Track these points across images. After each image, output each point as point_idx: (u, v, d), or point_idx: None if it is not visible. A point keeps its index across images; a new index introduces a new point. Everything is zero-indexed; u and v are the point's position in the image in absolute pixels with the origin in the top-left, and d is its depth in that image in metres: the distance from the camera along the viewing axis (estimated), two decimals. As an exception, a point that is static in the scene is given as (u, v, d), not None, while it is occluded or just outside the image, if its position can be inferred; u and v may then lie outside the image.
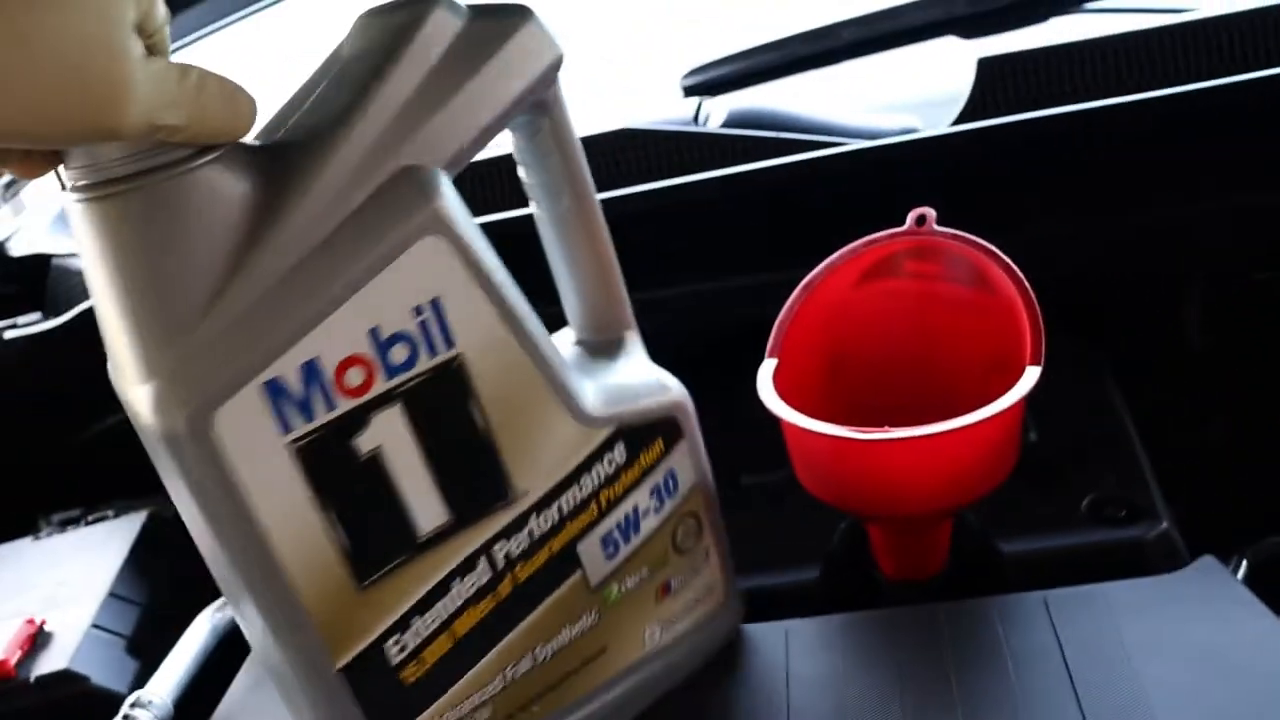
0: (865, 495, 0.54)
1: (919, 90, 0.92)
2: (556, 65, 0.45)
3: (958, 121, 0.76)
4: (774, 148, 0.77)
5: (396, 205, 0.39)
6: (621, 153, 0.80)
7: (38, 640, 0.65)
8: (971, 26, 0.92)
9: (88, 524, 0.79)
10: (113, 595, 0.70)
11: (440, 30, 0.41)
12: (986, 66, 0.77)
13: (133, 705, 0.59)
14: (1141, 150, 0.72)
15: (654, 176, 0.77)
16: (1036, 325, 0.53)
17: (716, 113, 0.88)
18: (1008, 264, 0.55)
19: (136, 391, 0.38)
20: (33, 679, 0.62)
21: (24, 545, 0.78)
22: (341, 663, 0.42)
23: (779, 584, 0.59)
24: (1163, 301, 0.78)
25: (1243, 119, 0.71)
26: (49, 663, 0.63)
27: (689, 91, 0.95)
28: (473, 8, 0.43)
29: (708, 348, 0.64)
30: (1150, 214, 0.73)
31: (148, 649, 0.67)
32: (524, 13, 0.43)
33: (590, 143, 0.78)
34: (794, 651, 0.53)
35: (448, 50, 0.41)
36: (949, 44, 0.93)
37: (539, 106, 0.46)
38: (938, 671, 0.50)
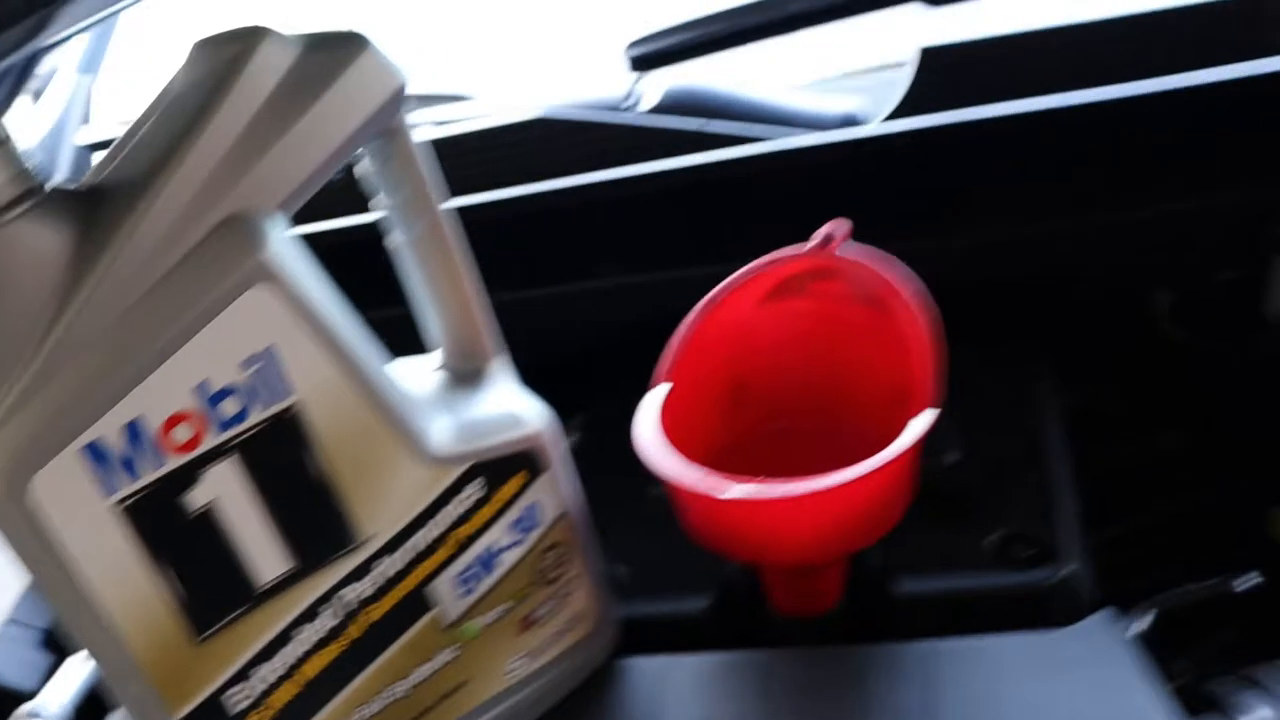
0: (744, 547, 0.56)
1: (871, 63, 0.92)
2: (399, 94, 0.46)
3: (900, 108, 0.78)
4: (695, 140, 0.78)
5: (220, 256, 0.41)
6: (541, 142, 0.82)
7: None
8: None
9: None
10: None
11: (270, 65, 0.43)
12: (929, 55, 0.78)
13: (28, 717, 0.63)
14: (1093, 151, 0.74)
15: (579, 166, 0.80)
16: (936, 361, 0.54)
17: (651, 91, 0.89)
18: (911, 289, 0.57)
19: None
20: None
21: None
22: (179, 716, 0.45)
23: (666, 613, 0.62)
24: (1122, 304, 0.80)
25: (1204, 118, 0.72)
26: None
27: (635, 62, 0.96)
28: (306, 38, 0.45)
29: (626, 343, 0.66)
30: (1111, 215, 0.75)
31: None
32: (359, 42, 0.45)
33: (508, 131, 0.80)
34: (671, 688, 0.56)
35: (278, 86, 0.43)
36: (914, 9, 0.93)
37: (386, 134, 0.48)
38: (797, 714, 0.53)
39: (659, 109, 0.86)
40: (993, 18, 0.81)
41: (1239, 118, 0.71)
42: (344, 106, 0.44)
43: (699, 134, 0.79)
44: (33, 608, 0.73)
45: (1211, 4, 0.74)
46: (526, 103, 0.88)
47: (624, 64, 0.97)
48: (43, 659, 0.71)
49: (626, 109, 0.88)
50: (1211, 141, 0.72)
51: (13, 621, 0.71)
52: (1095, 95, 0.72)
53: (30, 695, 0.65)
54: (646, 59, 0.96)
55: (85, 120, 1.00)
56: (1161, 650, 0.55)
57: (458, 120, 0.86)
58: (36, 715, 0.64)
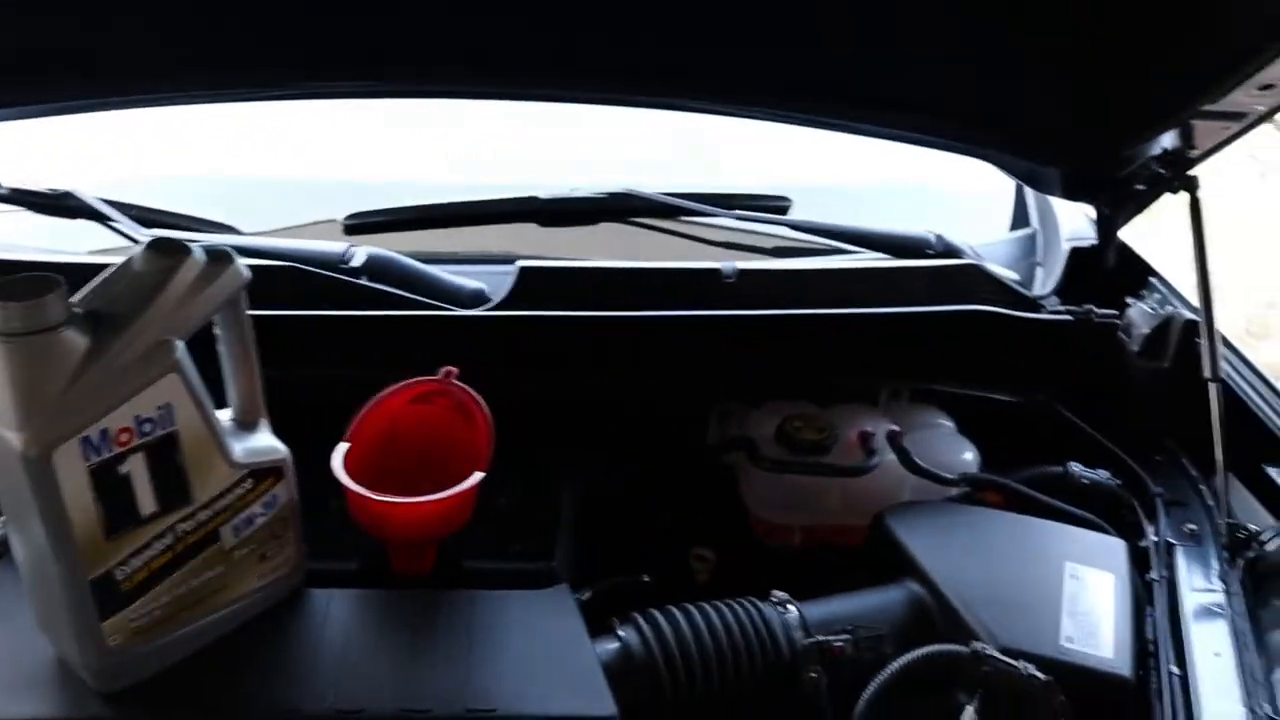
0: (382, 530, 1.12)
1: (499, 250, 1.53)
2: (244, 284, 1.00)
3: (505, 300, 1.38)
4: (382, 297, 1.35)
5: (155, 359, 0.93)
6: (288, 280, 1.35)
7: None
8: (546, 220, 1.56)
9: None
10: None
11: (190, 268, 0.96)
12: (524, 271, 1.39)
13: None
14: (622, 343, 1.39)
15: (309, 299, 1.34)
16: (488, 447, 1.13)
17: (360, 253, 1.45)
18: (484, 409, 1.15)
19: (10, 434, 0.89)
20: None
21: None
22: (91, 576, 0.94)
23: (335, 568, 1.16)
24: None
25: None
26: None
27: (347, 229, 1.53)
28: (205, 251, 0.98)
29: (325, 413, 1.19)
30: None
31: None
32: (230, 258, 0.99)
33: (269, 270, 1.33)
34: (333, 605, 1.10)
35: (192, 280, 0.96)
36: (529, 228, 1.56)
37: (231, 301, 1.01)
38: (396, 629, 1.09)
39: (364, 267, 1.42)
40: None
41: (691, 338, 1.38)
42: (219, 290, 0.98)
43: (383, 294, 1.36)
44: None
45: (670, 270, 1.41)
46: (275, 243, 1.42)
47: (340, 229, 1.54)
48: None
49: (344, 260, 1.43)
50: (674, 344, 1.38)
51: None
52: (620, 313, 1.36)
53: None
54: (356, 228, 1.53)
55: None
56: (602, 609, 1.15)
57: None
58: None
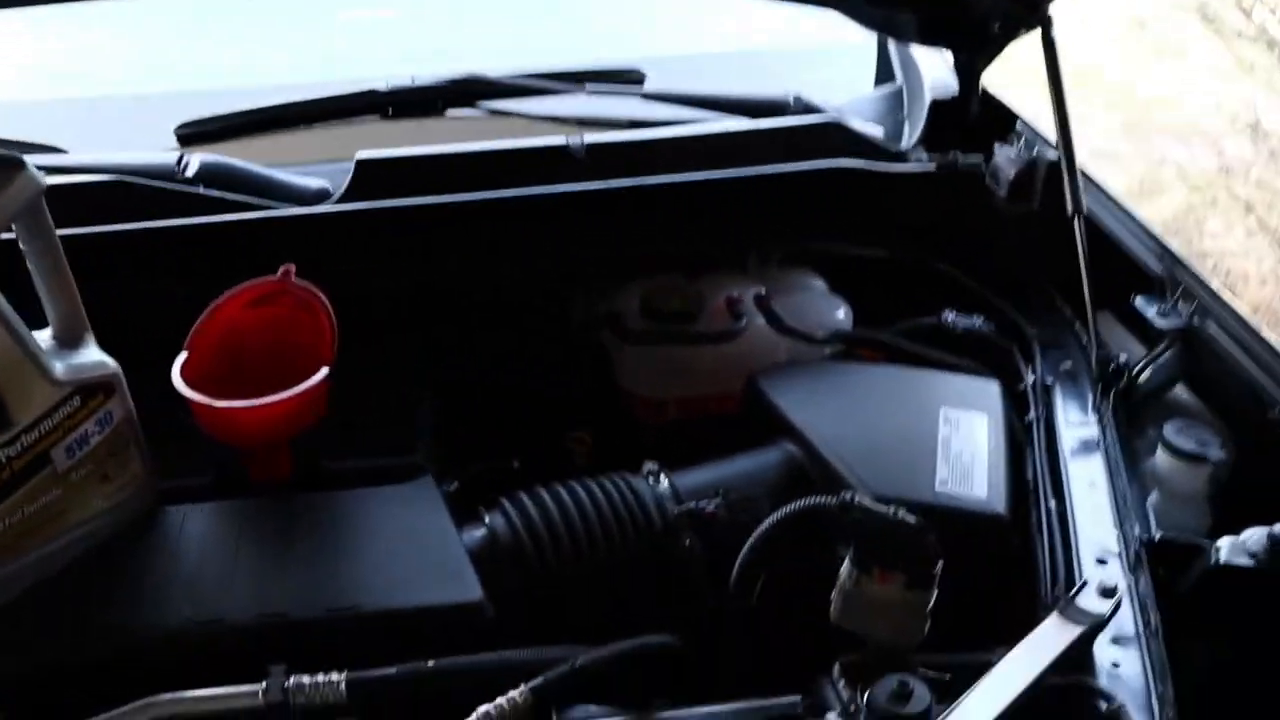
0: (224, 435, 1.09)
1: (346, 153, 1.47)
2: (40, 192, 0.95)
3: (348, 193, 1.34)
4: (223, 205, 1.30)
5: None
6: (121, 196, 1.29)
7: None
8: (390, 113, 1.51)
9: None
10: None
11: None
12: (362, 164, 1.35)
13: None
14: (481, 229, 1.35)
15: (146, 213, 1.28)
16: (332, 343, 1.09)
17: (194, 161, 1.38)
18: (325, 305, 1.12)
19: None
20: None
21: None
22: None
23: (191, 484, 1.12)
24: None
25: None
26: None
27: (181, 139, 1.46)
28: (-7, 158, 0.92)
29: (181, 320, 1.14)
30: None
31: None
32: (19, 164, 0.93)
33: (100, 186, 1.27)
34: (188, 519, 1.07)
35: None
36: (375, 127, 1.50)
37: (32, 210, 0.95)
38: (255, 538, 1.06)
39: (199, 174, 1.36)
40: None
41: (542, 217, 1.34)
42: (11, 199, 0.92)
43: (217, 200, 1.30)
44: None
45: (514, 151, 1.37)
46: (106, 159, 1.36)
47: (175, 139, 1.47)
48: None
49: (178, 170, 1.37)
50: (525, 225, 1.34)
51: None
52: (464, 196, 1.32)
53: None
54: (191, 137, 1.47)
55: None
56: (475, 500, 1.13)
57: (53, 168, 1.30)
58: None
